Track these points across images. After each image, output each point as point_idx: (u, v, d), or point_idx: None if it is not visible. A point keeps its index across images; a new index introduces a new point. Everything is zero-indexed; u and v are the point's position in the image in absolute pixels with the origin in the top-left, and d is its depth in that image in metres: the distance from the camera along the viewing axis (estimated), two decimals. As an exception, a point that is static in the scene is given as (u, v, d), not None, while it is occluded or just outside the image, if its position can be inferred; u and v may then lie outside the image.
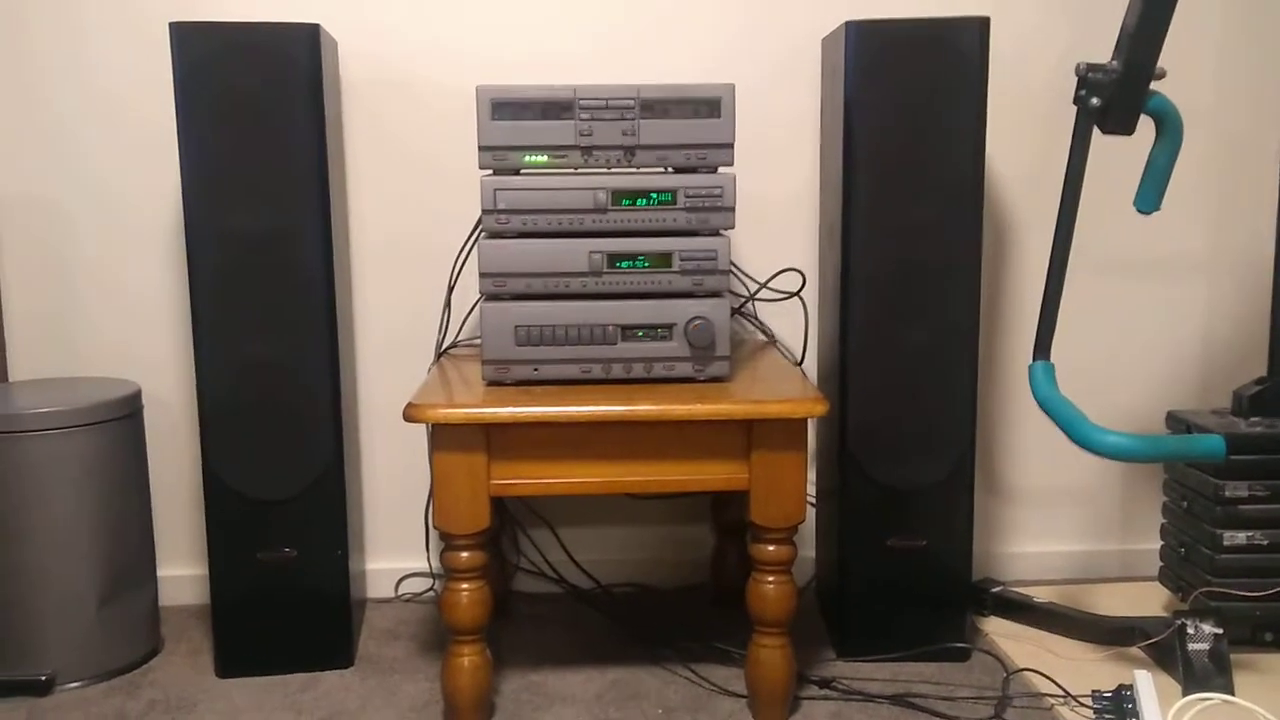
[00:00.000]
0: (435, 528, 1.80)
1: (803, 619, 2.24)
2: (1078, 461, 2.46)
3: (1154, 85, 1.87)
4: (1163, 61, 1.86)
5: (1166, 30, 1.81)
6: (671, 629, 2.21)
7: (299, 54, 1.92)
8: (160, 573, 2.29)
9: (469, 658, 1.84)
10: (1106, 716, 1.82)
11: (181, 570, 2.41)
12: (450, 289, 2.27)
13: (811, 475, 2.40)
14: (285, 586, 2.05)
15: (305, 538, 2.05)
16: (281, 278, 1.97)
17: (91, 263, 2.31)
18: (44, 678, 2.01)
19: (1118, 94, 1.85)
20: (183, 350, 2.33)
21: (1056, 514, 2.52)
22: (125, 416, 2.08)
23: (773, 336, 2.35)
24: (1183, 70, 2.34)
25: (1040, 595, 2.29)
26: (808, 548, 2.42)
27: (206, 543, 2.04)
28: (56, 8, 2.22)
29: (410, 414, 1.73)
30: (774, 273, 2.33)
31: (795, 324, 2.35)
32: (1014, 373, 2.46)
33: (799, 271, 2.33)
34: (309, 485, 2.04)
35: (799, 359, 2.34)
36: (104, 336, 2.33)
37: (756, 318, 2.36)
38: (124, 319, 2.33)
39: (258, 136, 1.93)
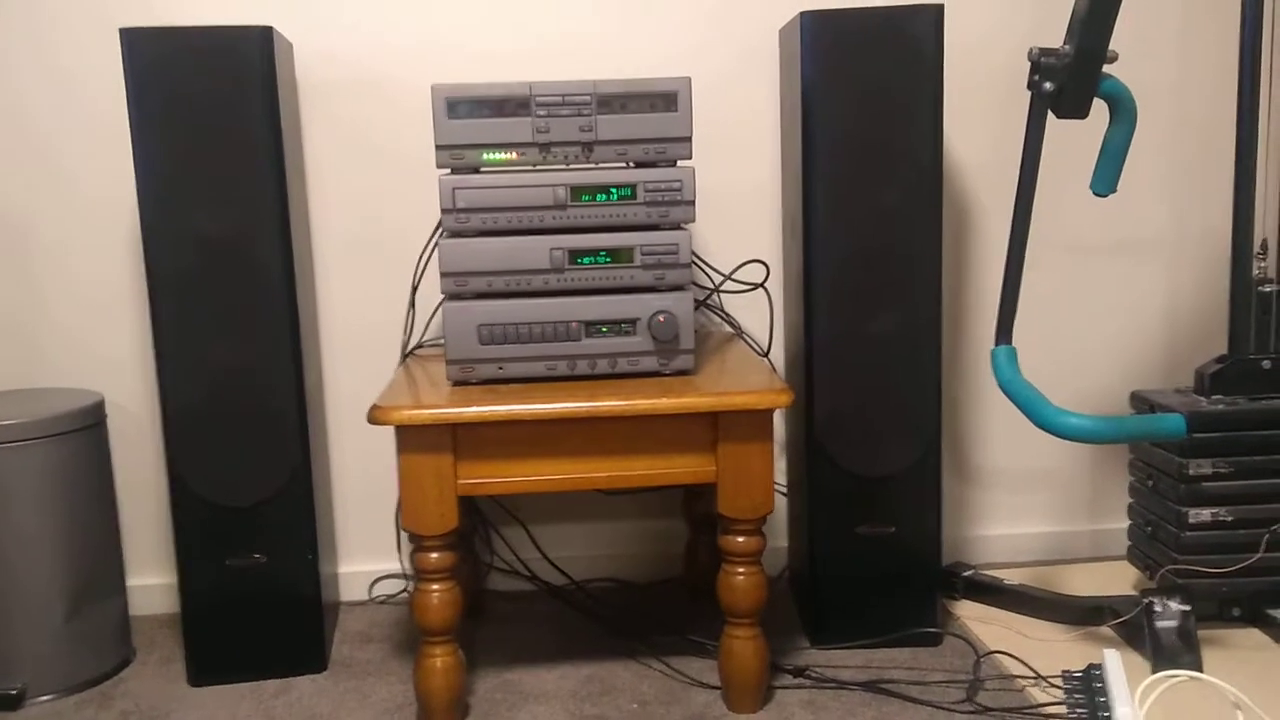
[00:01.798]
0: (404, 529, 1.80)
1: (776, 608, 2.25)
2: (1045, 444, 2.47)
3: (1107, 69, 1.88)
4: (1123, 45, 1.87)
5: (1116, 14, 1.82)
6: (646, 623, 2.22)
7: (252, 56, 1.90)
8: (130, 582, 2.28)
9: (441, 658, 1.84)
10: (1076, 696, 1.84)
11: (151, 579, 2.39)
12: (414, 289, 2.27)
13: (781, 465, 2.41)
14: (256, 592, 2.04)
15: (275, 543, 2.04)
16: (242, 281, 1.96)
17: (53, 268, 2.29)
18: (14, 691, 2.00)
19: (1071, 78, 1.86)
20: (146, 356, 2.31)
21: (1025, 496, 2.54)
22: (89, 427, 2.06)
23: (739, 328, 2.35)
24: (1143, 53, 2.36)
25: (1011, 577, 2.31)
26: (780, 538, 2.43)
27: (175, 551, 2.03)
28: (15, 9, 2.20)
29: (374, 416, 1.73)
30: (738, 264, 2.34)
31: (761, 315, 2.36)
32: (980, 357, 2.47)
33: (763, 263, 2.33)
34: (277, 490, 2.03)
35: (765, 350, 2.35)
36: (67, 344, 2.31)
37: (722, 309, 2.36)
38: (87, 326, 2.31)
39: (213, 140, 1.91)
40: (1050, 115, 1.91)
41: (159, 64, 1.88)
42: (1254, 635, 2.08)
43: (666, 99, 1.84)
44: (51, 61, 2.22)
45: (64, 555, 2.03)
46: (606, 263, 1.86)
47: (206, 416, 1.98)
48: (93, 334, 2.31)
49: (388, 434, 2.35)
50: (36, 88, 2.23)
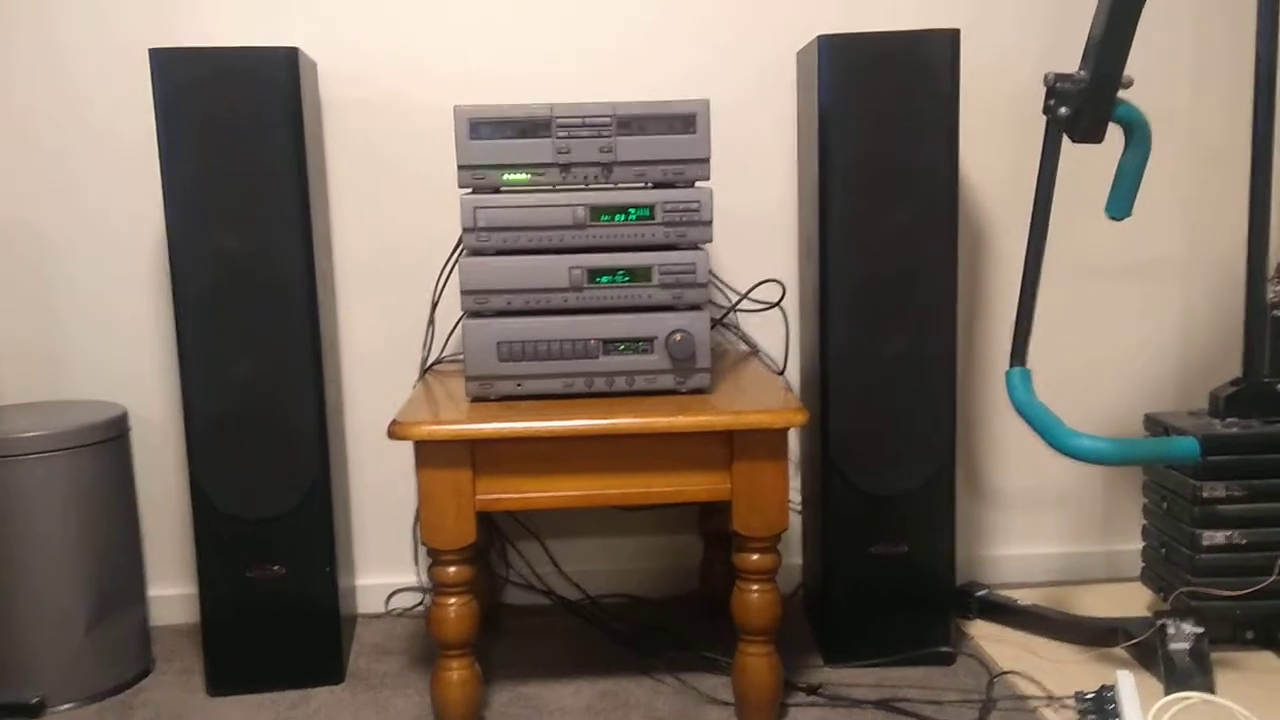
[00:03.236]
0: (422, 543, 1.82)
1: (790, 625, 2.26)
2: (1059, 464, 2.48)
3: (1122, 94, 1.89)
4: (1137, 68, 1.89)
5: (1131, 39, 1.84)
6: (660, 638, 2.23)
7: (277, 77, 1.93)
8: (150, 592, 2.31)
9: (458, 671, 1.85)
10: (1089, 717, 1.84)
11: (171, 590, 2.42)
12: (434, 306, 2.29)
13: (796, 483, 2.42)
14: (275, 604, 2.07)
15: (294, 555, 2.07)
16: (265, 297, 1.99)
17: (77, 285, 2.32)
18: (35, 701, 2.02)
19: (1086, 103, 1.88)
20: (169, 370, 2.34)
21: (1039, 516, 2.54)
22: (112, 439, 2.09)
23: (755, 346, 2.37)
24: (1157, 76, 2.38)
25: (1024, 597, 2.32)
26: (794, 555, 2.45)
27: (196, 562, 2.05)
28: (37, 31, 2.24)
29: (394, 431, 1.75)
30: (755, 283, 2.36)
31: (778, 333, 2.38)
32: (995, 377, 2.48)
33: (779, 282, 2.35)
34: (297, 503, 2.05)
35: (781, 368, 2.37)
36: (91, 358, 2.34)
37: (738, 328, 2.38)
38: (111, 341, 2.34)
39: (239, 158, 1.95)
40: (1066, 139, 1.93)
41: (186, 84, 1.91)
42: (1267, 658, 2.08)
43: (685, 121, 1.86)
44: (74, 84, 2.26)
45: (86, 565, 2.05)
46: (625, 282, 1.88)
47: (228, 430, 2.01)
48: (117, 348, 2.35)
49: (406, 448, 2.37)
50: (60, 109, 2.27)
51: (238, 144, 1.94)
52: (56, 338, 2.34)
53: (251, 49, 1.94)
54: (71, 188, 2.29)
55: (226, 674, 2.08)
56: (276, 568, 2.06)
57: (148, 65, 1.92)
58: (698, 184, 1.90)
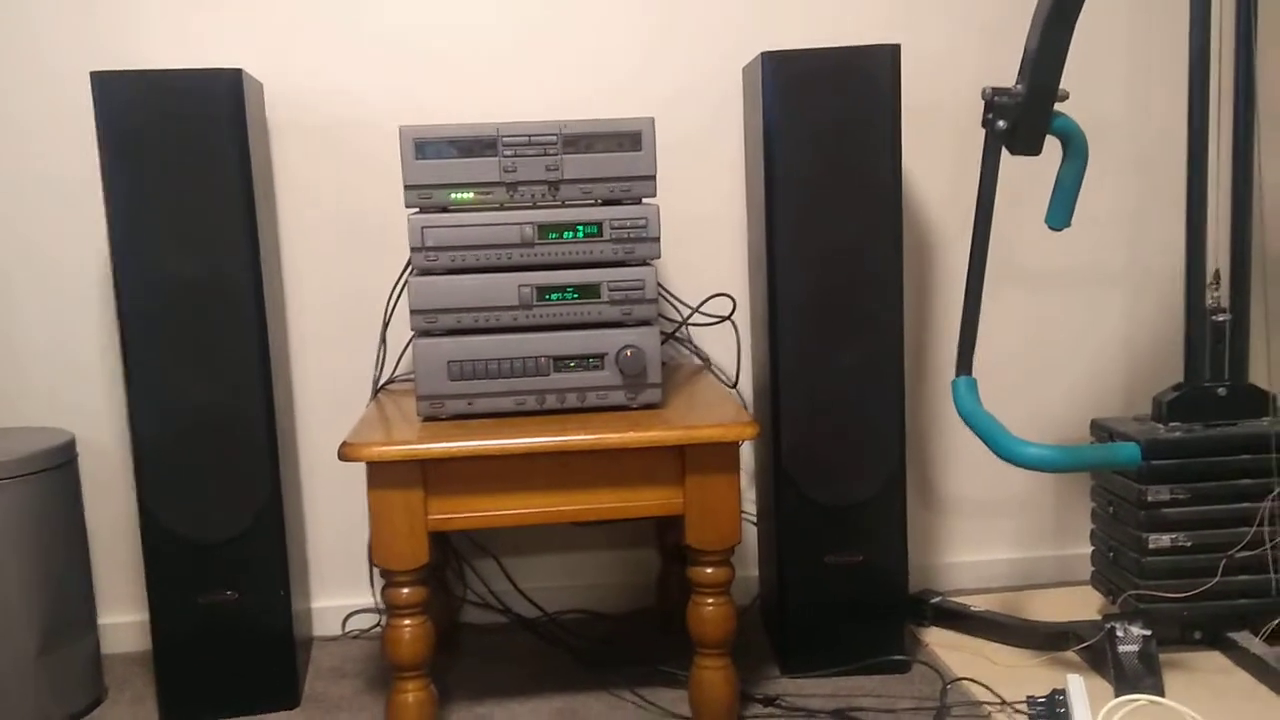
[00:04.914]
0: (374, 565, 1.81)
1: (749, 637, 2.27)
2: (1009, 471, 2.51)
3: (1059, 107, 1.93)
4: (1074, 79, 1.92)
5: (1066, 54, 1.88)
6: (618, 654, 2.23)
7: (222, 99, 1.92)
8: (101, 620, 2.28)
9: (413, 694, 1.85)
10: (1041, 721, 1.87)
11: (123, 617, 2.39)
12: (385, 325, 2.29)
13: (751, 495, 2.43)
14: (228, 629, 2.05)
15: (247, 579, 2.05)
16: (213, 320, 1.97)
17: (21, 310, 2.29)
18: (-16, 733, 1.99)
19: (1023, 116, 1.91)
20: (117, 395, 2.32)
21: (991, 523, 2.57)
22: (59, 466, 2.06)
23: (708, 360, 2.39)
24: (1094, 87, 2.42)
25: (978, 603, 2.34)
26: (752, 567, 2.46)
27: (147, 588, 2.03)
28: (-21, 57, 2.22)
29: (345, 453, 1.74)
30: (706, 297, 2.37)
31: (731, 345, 2.39)
32: (944, 387, 2.51)
33: (729, 296, 2.37)
34: (248, 526, 2.03)
35: (733, 381, 2.38)
36: (37, 384, 2.31)
37: (691, 341, 2.39)
38: (57, 366, 2.31)
39: (184, 181, 1.93)
40: (1005, 152, 1.96)
41: (129, 108, 1.90)
42: (1215, 658, 2.11)
43: (632, 138, 1.87)
44: (16, 109, 2.24)
45: (35, 594, 2.02)
46: (574, 299, 1.89)
47: (178, 453, 1.99)
48: (63, 373, 2.32)
49: (360, 469, 2.36)
50: (2, 133, 2.24)
51: (183, 167, 1.93)
52: (2, 360, 2.30)
53: (195, 71, 1.92)
54: (16, 212, 2.27)
55: (180, 701, 2.05)
56: (229, 593, 2.04)
57: (89, 90, 1.90)
58: (645, 201, 1.91)
